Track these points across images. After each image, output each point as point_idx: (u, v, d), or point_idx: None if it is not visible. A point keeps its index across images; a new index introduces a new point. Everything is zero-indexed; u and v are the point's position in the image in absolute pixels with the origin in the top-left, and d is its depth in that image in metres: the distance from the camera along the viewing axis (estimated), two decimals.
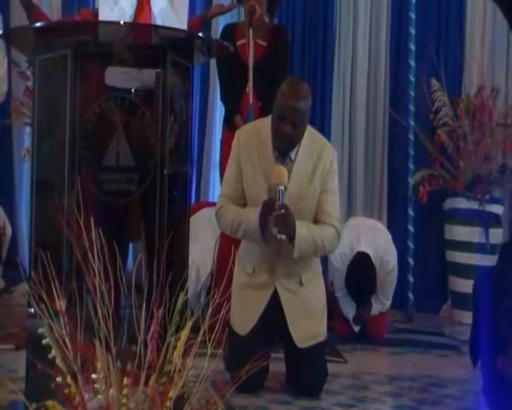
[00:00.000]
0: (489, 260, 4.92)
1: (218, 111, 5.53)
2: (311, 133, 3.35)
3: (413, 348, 4.39)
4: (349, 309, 4.44)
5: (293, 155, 3.27)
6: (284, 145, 3.24)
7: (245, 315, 3.32)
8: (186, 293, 1.95)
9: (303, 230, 3.16)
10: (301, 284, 3.33)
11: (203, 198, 5.59)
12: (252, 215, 3.19)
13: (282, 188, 3.09)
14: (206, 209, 4.77)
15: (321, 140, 3.40)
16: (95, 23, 2.68)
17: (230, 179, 3.35)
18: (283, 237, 3.07)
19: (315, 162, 3.29)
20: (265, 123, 3.33)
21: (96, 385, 1.74)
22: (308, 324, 3.33)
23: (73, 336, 1.75)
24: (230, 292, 3.20)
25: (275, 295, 3.30)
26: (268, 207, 3.13)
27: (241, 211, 3.29)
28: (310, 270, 3.37)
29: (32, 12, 3.96)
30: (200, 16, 4.59)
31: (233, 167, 3.35)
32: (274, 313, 3.30)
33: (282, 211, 3.06)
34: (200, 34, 2.73)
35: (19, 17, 4.71)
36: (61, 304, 1.77)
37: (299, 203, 3.22)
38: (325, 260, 3.91)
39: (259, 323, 3.29)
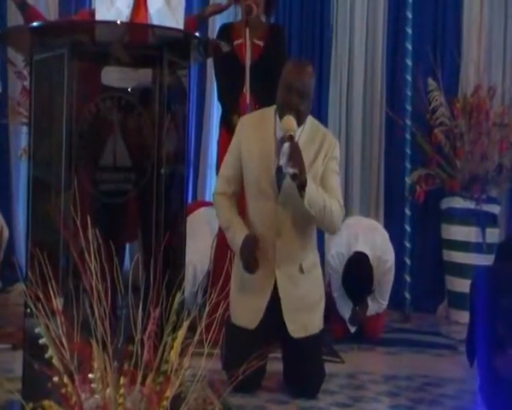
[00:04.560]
0: (486, 260, 4.92)
1: (215, 111, 5.52)
2: (314, 122, 3.41)
3: (410, 347, 4.39)
4: (345, 310, 4.43)
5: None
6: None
7: (251, 309, 3.30)
8: (183, 292, 1.95)
9: (312, 183, 3.16)
10: (302, 270, 3.32)
11: (200, 198, 5.59)
12: (238, 234, 3.26)
13: (292, 133, 3.12)
14: (202, 209, 4.77)
15: (323, 129, 3.47)
16: (91, 23, 2.67)
17: (229, 162, 3.41)
18: (296, 170, 3.05)
19: (317, 149, 3.32)
20: (269, 110, 3.41)
21: (92, 385, 1.74)
22: (304, 315, 3.31)
23: (70, 336, 1.75)
24: (227, 292, 3.20)
25: (275, 287, 3.29)
26: (250, 244, 3.19)
27: (232, 220, 3.33)
28: (310, 257, 3.37)
29: (27, 11, 3.96)
30: (197, 15, 4.58)
31: (234, 152, 3.40)
32: (274, 305, 3.29)
33: (295, 145, 3.08)
34: (197, 34, 2.73)
35: (16, 17, 4.70)
36: (57, 304, 1.77)
37: None
38: (322, 261, 3.90)
39: (266, 314, 3.28)
